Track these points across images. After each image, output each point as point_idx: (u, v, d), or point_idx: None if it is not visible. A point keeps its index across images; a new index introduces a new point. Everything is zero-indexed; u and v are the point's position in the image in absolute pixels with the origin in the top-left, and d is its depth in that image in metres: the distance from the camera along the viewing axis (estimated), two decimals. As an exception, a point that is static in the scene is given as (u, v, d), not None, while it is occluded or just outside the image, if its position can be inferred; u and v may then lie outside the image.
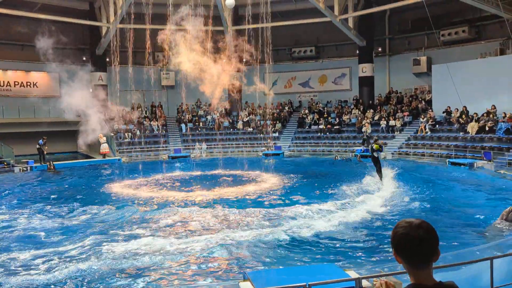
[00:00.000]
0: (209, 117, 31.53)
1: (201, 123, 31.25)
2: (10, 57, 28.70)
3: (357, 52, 30.32)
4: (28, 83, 29.89)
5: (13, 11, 24.73)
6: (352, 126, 28.53)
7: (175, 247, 8.49)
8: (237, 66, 31.96)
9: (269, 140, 28.65)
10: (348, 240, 8.82)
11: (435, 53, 27.67)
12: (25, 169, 21.88)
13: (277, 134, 29.92)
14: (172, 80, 32.35)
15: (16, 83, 29.43)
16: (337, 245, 8.49)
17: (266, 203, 12.89)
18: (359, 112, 29.00)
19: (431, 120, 24.78)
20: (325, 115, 29.98)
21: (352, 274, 5.27)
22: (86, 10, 29.42)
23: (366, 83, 30.23)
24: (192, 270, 7.38)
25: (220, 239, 8.94)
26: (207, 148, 28.15)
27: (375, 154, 15.83)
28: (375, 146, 15.97)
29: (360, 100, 30.16)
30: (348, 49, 31.38)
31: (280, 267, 7.20)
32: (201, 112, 32.13)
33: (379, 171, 15.79)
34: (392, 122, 26.68)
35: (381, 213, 11.02)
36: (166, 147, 28.84)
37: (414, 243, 1.74)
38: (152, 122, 30.24)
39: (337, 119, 29.28)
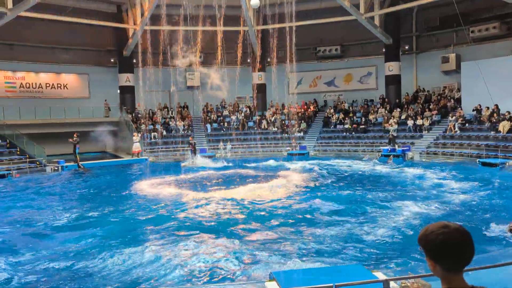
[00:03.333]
0: (233, 117, 31.69)
1: (226, 123, 31.44)
2: (42, 60, 29.62)
3: (383, 50, 29.87)
4: (59, 85, 30.77)
5: (44, 15, 25.51)
6: (379, 125, 28.14)
7: (202, 246, 8.58)
8: (262, 66, 32.16)
9: (293, 140, 28.58)
10: (376, 240, 8.71)
11: (464, 50, 26.98)
12: (56, 168, 22.52)
13: (302, 134, 29.81)
14: (198, 81, 32.68)
15: (48, 85, 30.34)
16: (364, 246, 8.40)
17: (291, 202, 12.86)
18: (386, 111, 28.57)
19: (460, 119, 24.18)
20: (351, 115, 29.68)
21: (380, 275, 5.21)
22: (114, 13, 30.04)
23: (393, 81, 29.75)
24: (218, 270, 7.44)
25: (247, 238, 8.99)
26: (231, 148, 28.31)
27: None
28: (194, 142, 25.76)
29: (386, 99, 29.72)
30: (374, 47, 30.95)
31: (306, 267, 7.18)
32: (226, 112, 32.34)
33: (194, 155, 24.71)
34: (419, 121, 26.18)
35: (411, 214, 10.84)
36: (191, 147, 29.12)
37: (458, 248, 1.70)
38: (178, 122, 30.63)
39: (363, 118, 28.94)
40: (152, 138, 28.82)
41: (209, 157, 26.41)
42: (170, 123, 30.56)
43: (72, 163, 22.97)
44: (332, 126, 29.83)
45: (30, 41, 28.71)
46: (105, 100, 30.56)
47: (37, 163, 22.88)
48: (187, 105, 32.73)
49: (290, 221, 10.65)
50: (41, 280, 7.16)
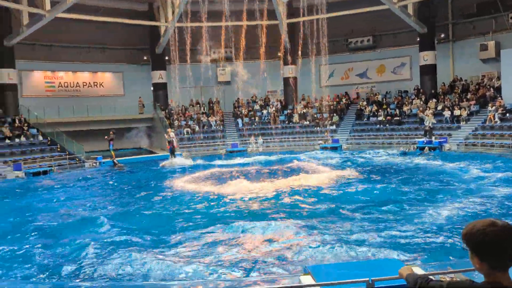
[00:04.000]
0: (264, 111, 31.71)
1: (257, 118, 31.49)
2: (79, 60, 30.62)
3: (418, 39, 29.03)
4: (95, 83, 31.74)
5: (79, 15, 26.29)
6: (413, 117, 27.45)
7: (235, 240, 8.66)
8: (293, 59, 31.97)
9: (326, 133, 28.30)
10: (414, 234, 8.54)
11: (504, 37, 25.86)
12: (94, 164, 23.31)
13: (334, 127, 29.48)
14: (228, 76, 32.88)
15: (85, 83, 31.35)
16: (402, 239, 8.25)
17: (326, 194, 12.77)
18: (421, 102, 27.83)
19: (500, 109, 23.25)
20: (384, 106, 29.08)
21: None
22: (146, 11, 30.58)
23: (428, 71, 28.89)
24: (252, 263, 7.49)
25: (281, 232, 9.00)
26: (263, 142, 28.35)
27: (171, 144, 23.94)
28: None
29: (422, 90, 28.93)
30: (407, 37, 30.13)
31: (342, 261, 7.13)
32: (256, 107, 32.38)
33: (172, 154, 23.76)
34: (457, 112, 25.35)
35: (451, 208, 10.56)
36: (223, 142, 29.42)
37: (506, 247, 1.68)
38: (209, 118, 30.95)
39: (397, 110, 28.30)
40: (185, 133, 29.27)
41: (240, 151, 26.60)
42: (202, 118, 30.92)
43: (109, 159, 23.65)
44: (365, 119, 29.33)
45: (68, 41, 29.71)
46: (140, 97, 31.24)
47: (77, 159, 23.72)
48: (218, 100, 33.00)
49: (324, 214, 10.57)
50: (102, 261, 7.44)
